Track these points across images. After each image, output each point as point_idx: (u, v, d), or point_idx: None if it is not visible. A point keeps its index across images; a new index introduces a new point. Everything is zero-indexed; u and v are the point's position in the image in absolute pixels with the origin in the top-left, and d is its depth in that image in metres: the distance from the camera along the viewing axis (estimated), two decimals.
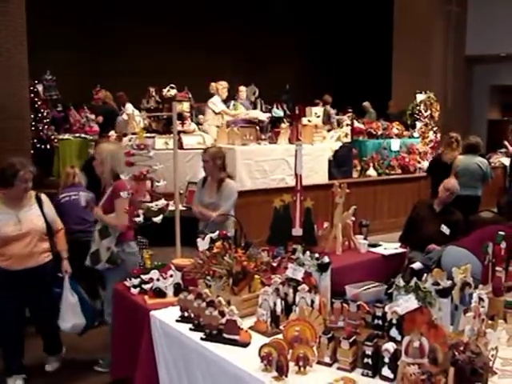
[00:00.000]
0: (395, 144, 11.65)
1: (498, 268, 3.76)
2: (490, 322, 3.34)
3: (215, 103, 10.01)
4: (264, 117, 9.54)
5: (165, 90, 9.64)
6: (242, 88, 10.25)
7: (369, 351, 2.88)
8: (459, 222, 6.27)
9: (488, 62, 17.98)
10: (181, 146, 8.39)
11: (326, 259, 3.76)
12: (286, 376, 2.84)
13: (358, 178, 10.56)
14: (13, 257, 4.68)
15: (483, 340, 2.99)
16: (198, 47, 15.02)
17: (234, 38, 15.87)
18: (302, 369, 2.91)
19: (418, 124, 12.94)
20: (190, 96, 9.95)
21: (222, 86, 10.04)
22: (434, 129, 13.05)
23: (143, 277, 4.27)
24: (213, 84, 10.14)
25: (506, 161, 11.42)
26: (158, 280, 4.15)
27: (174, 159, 5.65)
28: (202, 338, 3.35)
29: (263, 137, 9.52)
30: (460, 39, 17.37)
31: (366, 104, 12.79)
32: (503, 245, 3.93)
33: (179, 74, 12.33)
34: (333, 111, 12.64)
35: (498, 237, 3.99)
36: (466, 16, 17.45)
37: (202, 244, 4.13)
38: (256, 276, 3.77)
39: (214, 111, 9.94)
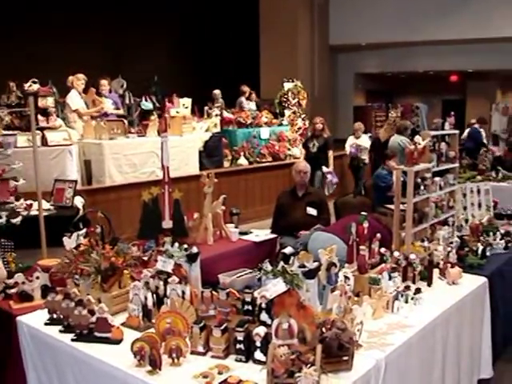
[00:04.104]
0: (265, 132, 11.87)
1: (361, 247, 3.92)
2: (355, 298, 3.50)
3: (72, 99, 9.54)
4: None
5: (26, 85, 9.17)
6: (104, 82, 9.86)
7: (240, 337, 2.92)
8: (323, 200, 6.48)
9: (350, 51, 18.77)
10: (45, 143, 8.06)
11: (195, 249, 3.76)
12: (160, 369, 2.83)
13: (229, 168, 10.66)
14: None
15: (350, 316, 3.12)
16: (65, 40, 14.48)
17: (102, 29, 15.48)
18: (175, 360, 2.90)
19: (287, 112, 13.21)
20: (55, 91, 9.48)
21: (77, 79, 9.51)
22: (302, 116, 13.36)
23: (7, 281, 4.03)
24: (70, 77, 9.67)
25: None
26: (23, 283, 3.93)
27: (34, 157, 5.44)
28: (72, 339, 3.25)
29: (132, 130, 9.37)
30: (324, 29, 17.99)
31: (217, 92, 12.89)
32: (366, 224, 4.11)
33: (44, 67, 11.83)
34: (245, 101, 12.99)
35: (360, 217, 4.16)
36: (329, 7, 18.09)
37: (69, 242, 4.00)
38: (125, 271, 3.71)
39: (71, 108, 9.51)
